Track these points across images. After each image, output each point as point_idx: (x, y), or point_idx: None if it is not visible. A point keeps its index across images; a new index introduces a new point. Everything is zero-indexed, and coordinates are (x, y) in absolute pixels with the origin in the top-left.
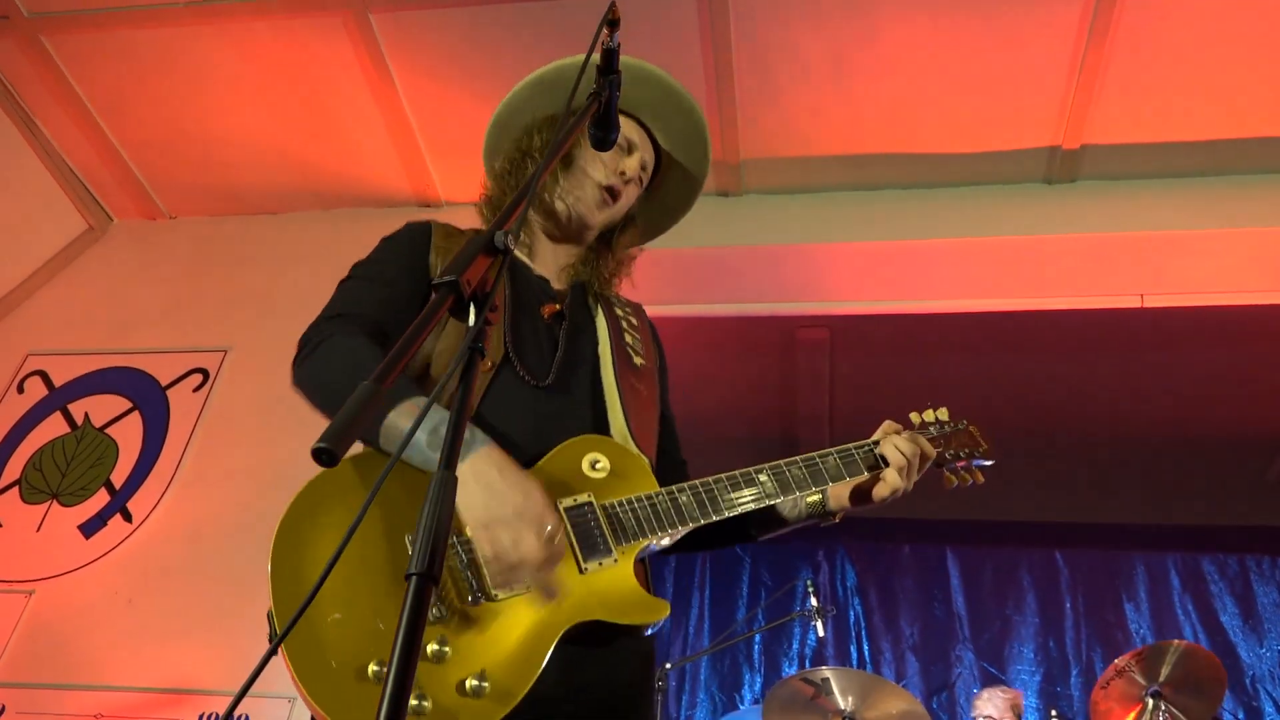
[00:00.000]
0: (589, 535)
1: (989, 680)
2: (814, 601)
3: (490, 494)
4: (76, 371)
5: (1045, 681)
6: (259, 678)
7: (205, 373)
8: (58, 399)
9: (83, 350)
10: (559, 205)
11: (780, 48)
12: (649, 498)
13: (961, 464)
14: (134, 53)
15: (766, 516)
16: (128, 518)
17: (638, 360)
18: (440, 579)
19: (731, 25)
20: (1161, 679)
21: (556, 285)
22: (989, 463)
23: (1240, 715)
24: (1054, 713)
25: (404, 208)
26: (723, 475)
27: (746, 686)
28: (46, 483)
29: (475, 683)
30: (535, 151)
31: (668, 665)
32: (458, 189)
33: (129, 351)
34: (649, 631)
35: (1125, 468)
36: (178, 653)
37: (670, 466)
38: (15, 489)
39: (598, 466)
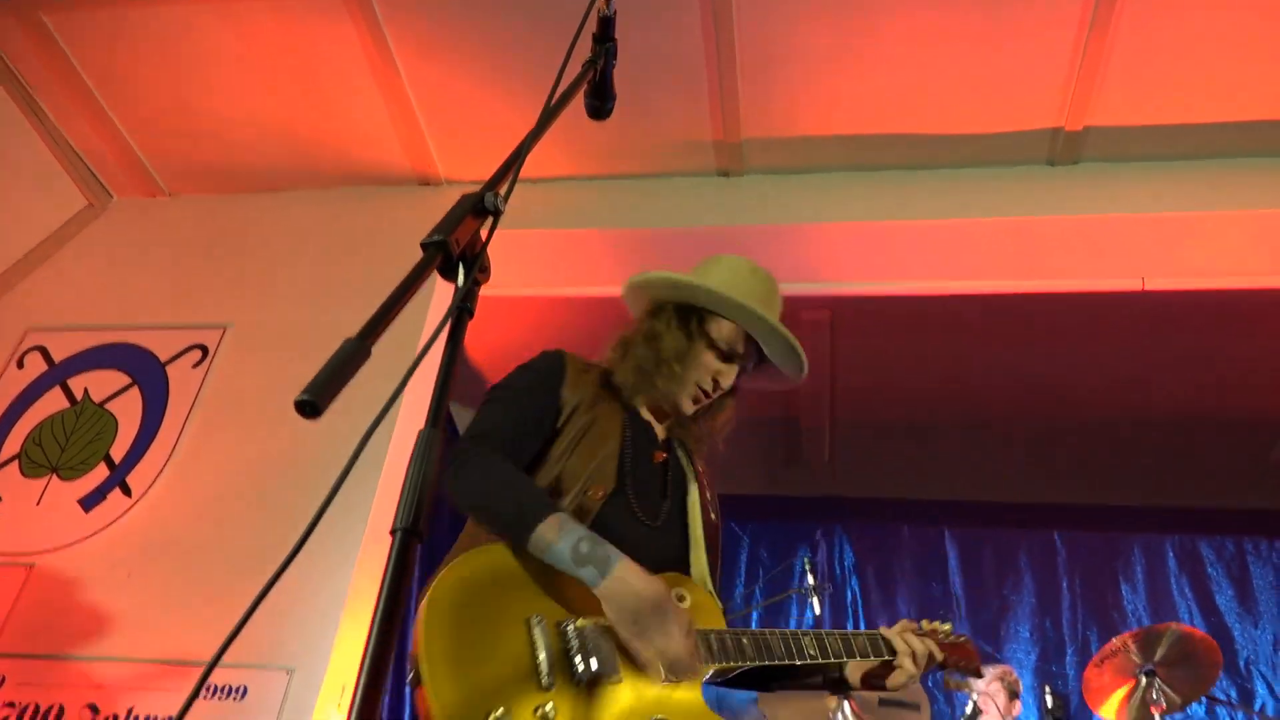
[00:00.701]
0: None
1: (984, 659)
2: (811, 579)
3: (636, 598)
4: (76, 347)
5: (1041, 660)
6: (263, 650)
7: (205, 349)
8: (57, 374)
9: (82, 326)
10: (659, 383)
11: (783, 26)
12: (721, 634)
13: (956, 673)
14: (135, 31)
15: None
16: (127, 492)
17: (714, 516)
18: (426, 536)
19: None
20: (1156, 659)
21: (659, 434)
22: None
23: (1233, 695)
24: (1048, 689)
25: (404, 186)
26: (778, 632)
27: None
28: (46, 457)
29: None
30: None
31: None
32: (458, 167)
33: (128, 327)
34: None
35: (1124, 450)
36: (176, 625)
37: None
38: (15, 463)
39: (682, 600)
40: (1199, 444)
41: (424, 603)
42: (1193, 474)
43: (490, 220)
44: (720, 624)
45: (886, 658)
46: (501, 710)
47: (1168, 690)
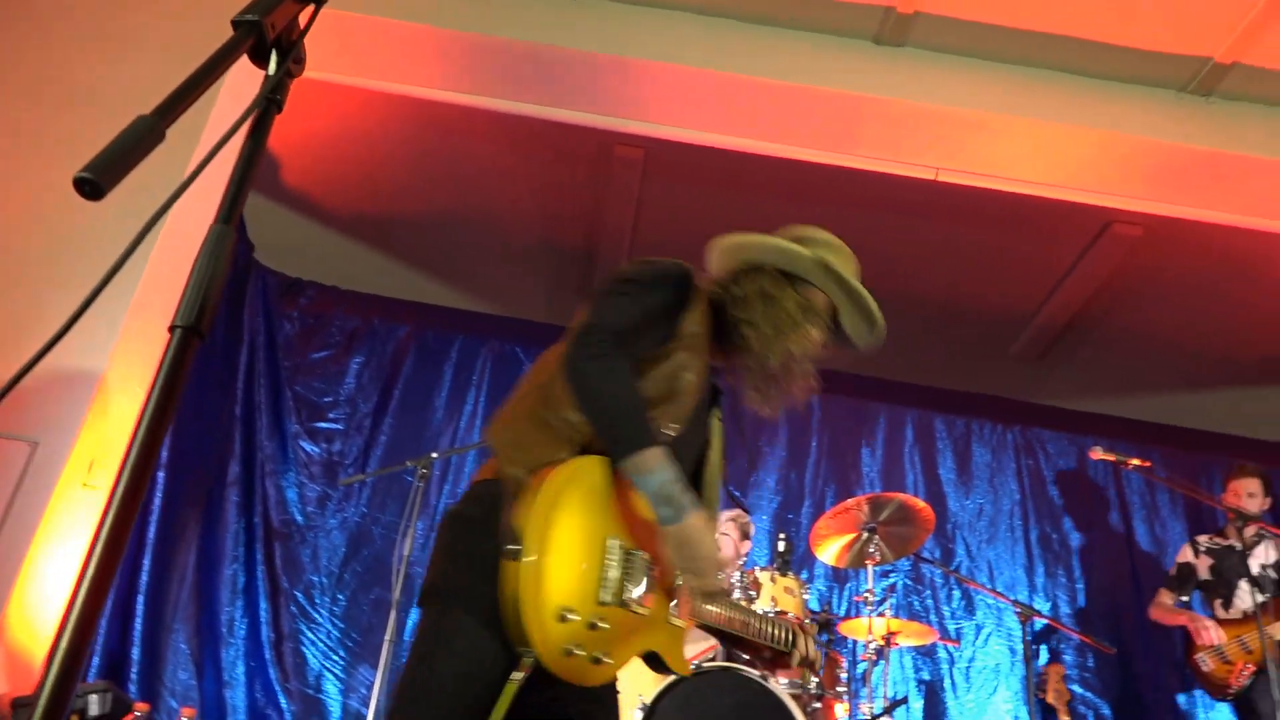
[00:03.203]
0: (677, 602)
1: (730, 502)
2: None
3: (692, 552)
4: None
5: (780, 509)
6: (7, 421)
7: None
8: None
9: None
10: (789, 345)
11: None
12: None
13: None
14: None
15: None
16: None
17: (723, 476)
18: (206, 336)
19: None
20: (880, 520)
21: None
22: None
23: (936, 554)
24: (782, 535)
25: None
26: (770, 617)
27: None
28: None
29: (606, 659)
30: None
31: (434, 455)
32: None
33: None
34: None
35: (889, 325)
36: None
37: None
38: None
39: None
40: (952, 330)
41: (544, 486)
42: (942, 357)
43: (313, 8)
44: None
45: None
46: (573, 611)
47: (883, 546)
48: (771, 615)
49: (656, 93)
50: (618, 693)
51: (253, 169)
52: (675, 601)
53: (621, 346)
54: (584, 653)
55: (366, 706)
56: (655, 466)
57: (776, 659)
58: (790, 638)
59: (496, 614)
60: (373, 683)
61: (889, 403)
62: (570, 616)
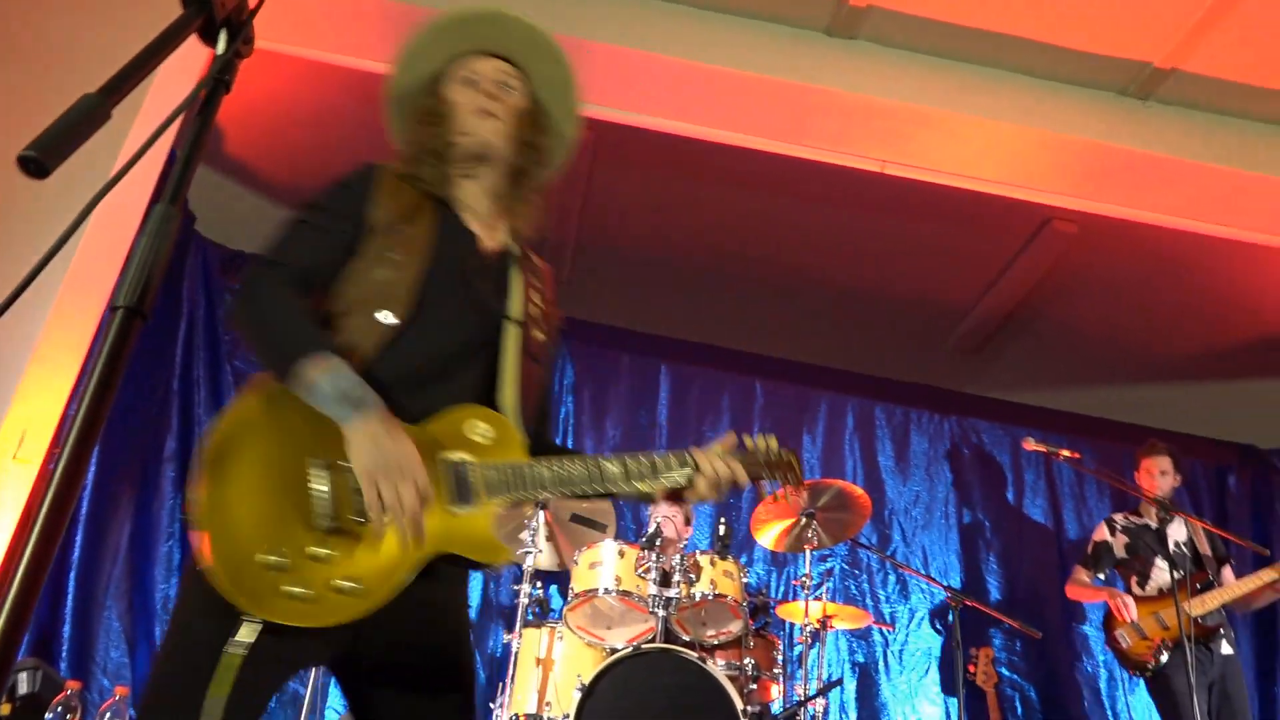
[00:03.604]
0: (461, 485)
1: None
2: None
3: (377, 449)
4: None
5: None
6: None
7: None
8: None
9: None
10: (460, 140)
11: None
12: (515, 465)
13: (776, 486)
14: None
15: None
16: None
17: (539, 335)
18: (149, 318)
19: None
20: (819, 506)
21: (487, 243)
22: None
23: (873, 539)
24: (722, 519)
25: None
26: (581, 458)
27: None
28: None
29: (348, 584)
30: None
31: None
32: None
33: None
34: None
35: (832, 314)
36: None
37: (538, 438)
38: None
39: (478, 432)
40: (894, 321)
41: (208, 446)
42: (883, 346)
43: None
44: (521, 456)
45: (686, 478)
46: (270, 553)
47: (821, 531)
48: (661, 455)
49: (607, 75)
50: (459, 605)
51: (199, 150)
52: (461, 491)
53: (277, 274)
54: (314, 590)
55: (304, 685)
56: (318, 373)
57: (676, 497)
58: (685, 462)
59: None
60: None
61: (830, 391)
62: (274, 560)
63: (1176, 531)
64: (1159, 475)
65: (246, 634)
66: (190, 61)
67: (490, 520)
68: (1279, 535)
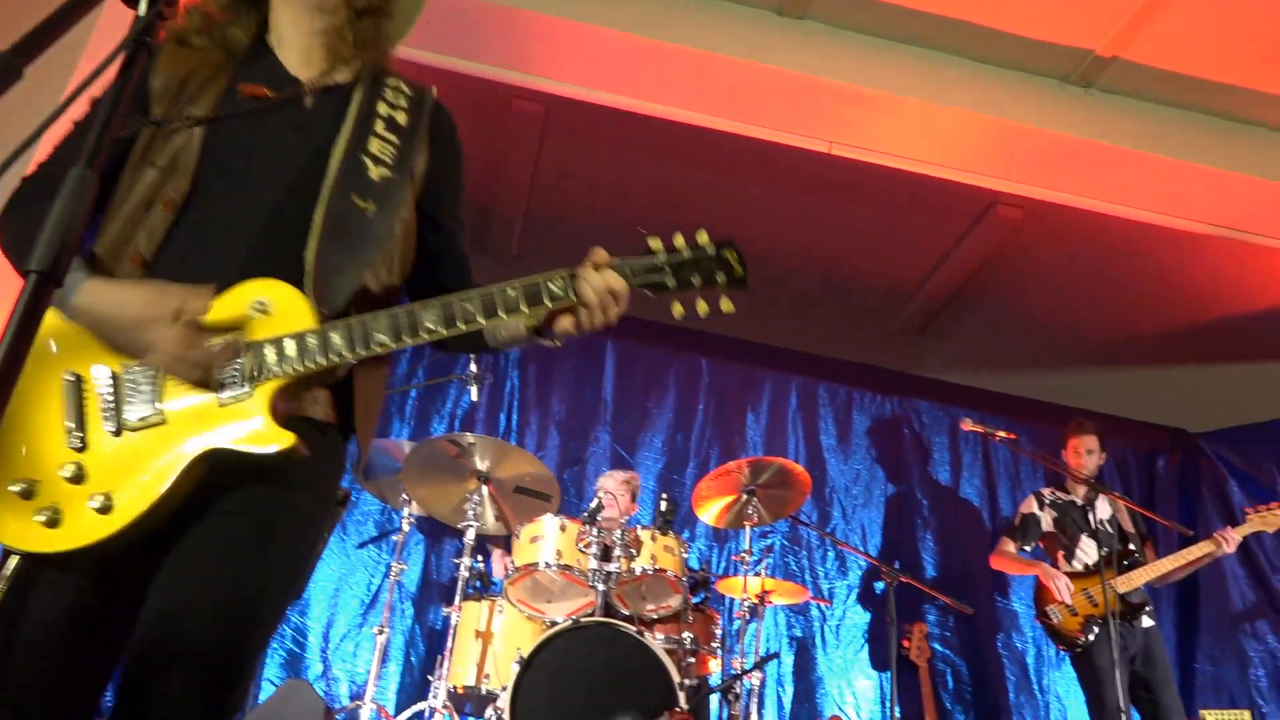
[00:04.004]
0: (229, 371)
1: (618, 462)
2: (474, 367)
3: (116, 307)
4: None
5: (665, 470)
6: None
7: None
8: None
9: None
10: None
11: None
12: (298, 336)
13: (697, 294)
14: None
15: (473, 339)
16: None
17: (376, 172)
18: (63, 282)
19: None
20: (760, 483)
21: (311, 82)
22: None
23: (814, 517)
24: (664, 495)
25: None
26: (398, 311)
27: (393, 435)
28: None
29: (101, 501)
30: None
31: None
32: None
33: None
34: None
35: (778, 294)
36: None
37: (437, 286)
38: None
39: (259, 307)
40: (839, 301)
41: None
42: (828, 327)
43: None
44: (307, 323)
45: (551, 306)
46: (19, 480)
47: (761, 508)
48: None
49: (557, 49)
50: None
51: (119, 112)
52: (228, 378)
53: (37, 185)
54: (66, 511)
55: None
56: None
57: (555, 319)
58: (565, 281)
59: None
60: None
61: (775, 369)
62: (21, 487)
63: (1102, 509)
64: (1085, 454)
65: (9, 566)
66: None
67: (264, 404)
68: (1204, 517)
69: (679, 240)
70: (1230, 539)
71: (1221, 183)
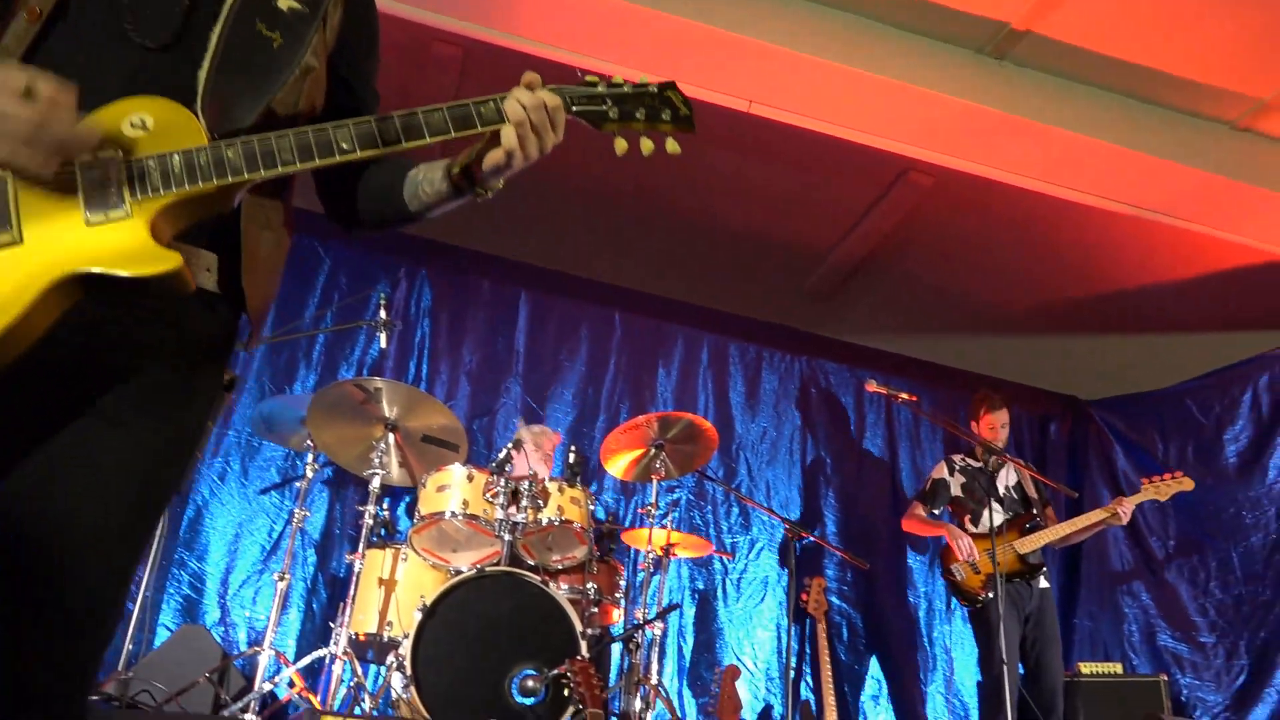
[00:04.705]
0: (102, 187)
1: (529, 414)
2: (384, 314)
3: None
4: None
5: (575, 422)
6: None
7: None
8: None
9: None
10: None
11: None
12: (186, 152)
13: (641, 131)
14: None
15: (392, 199)
16: None
17: (285, 2)
18: None
19: None
20: (668, 437)
21: None
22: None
23: (720, 473)
24: (572, 448)
25: None
26: (306, 129)
27: (299, 381)
28: None
29: None
30: None
31: None
32: None
33: None
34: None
35: (692, 250)
36: None
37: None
38: None
39: (138, 124)
40: (752, 261)
41: None
42: (740, 285)
43: None
44: (196, 140)
45: (483, 132)
46: None
47: (668, 462)
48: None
49: None
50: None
51: None
52: (97, 196)
53: None
54: None
55: (133, 603)
56: None
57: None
58: (495, 103)
59: None
60: (141, 577)
61: (687, 325)
62: None
63: (1007, 476)
64: (1000, 428)
65: None
66: None
67: (144, 224)
68: (1090, 481)
69: (618, 78)
70: (1126, 508)
71: (1123, 160)
